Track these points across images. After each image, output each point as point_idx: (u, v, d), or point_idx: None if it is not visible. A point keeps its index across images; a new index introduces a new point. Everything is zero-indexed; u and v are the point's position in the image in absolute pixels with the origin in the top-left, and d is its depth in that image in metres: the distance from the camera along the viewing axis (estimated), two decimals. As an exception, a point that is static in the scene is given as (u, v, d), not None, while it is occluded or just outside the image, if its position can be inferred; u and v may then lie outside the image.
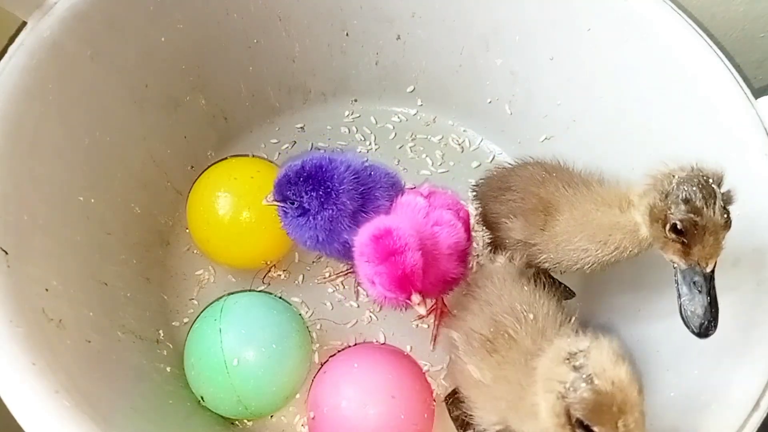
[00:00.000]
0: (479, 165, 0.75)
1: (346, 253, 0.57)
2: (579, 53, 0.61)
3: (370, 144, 0.76)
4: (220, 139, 0.73)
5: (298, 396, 0.61)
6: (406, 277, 0.46)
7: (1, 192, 0.45)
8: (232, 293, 0.63)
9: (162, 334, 0.62)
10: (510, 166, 0.61)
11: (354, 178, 0.54)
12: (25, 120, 0.48)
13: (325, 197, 0.53)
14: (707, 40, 0.52)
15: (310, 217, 0.53)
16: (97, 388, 0.46)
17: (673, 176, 0.42)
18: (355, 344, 0.64)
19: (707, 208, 0.40)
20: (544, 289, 0.49)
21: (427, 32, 0.69)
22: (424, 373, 0.61)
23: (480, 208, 0.62)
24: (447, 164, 0.75)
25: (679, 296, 0.42)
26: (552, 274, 0.66)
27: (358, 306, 0.66)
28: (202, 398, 0.57)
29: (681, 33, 0.53)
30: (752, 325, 0.45)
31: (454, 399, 0.59)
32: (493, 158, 0.75)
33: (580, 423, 0.33)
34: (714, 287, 0.41)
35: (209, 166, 0.68)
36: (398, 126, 0.77)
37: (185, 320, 0.65)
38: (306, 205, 0.53)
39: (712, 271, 0.41)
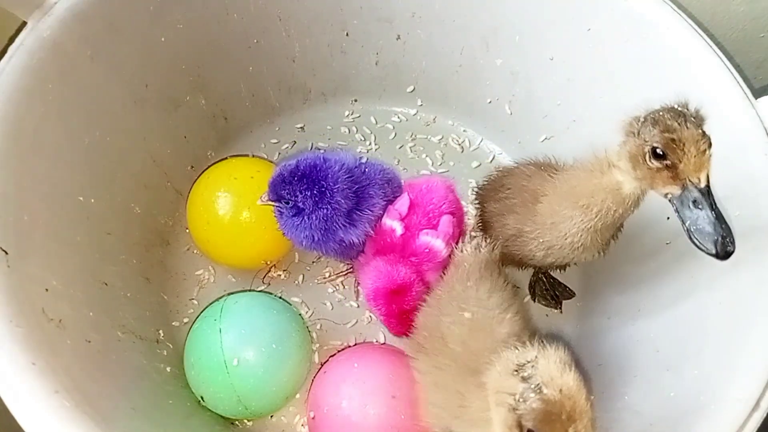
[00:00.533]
0: (479, 165, 0.75)
1: (343, 251, 0.57)
2: (579, 53, 0.61)
3: (370, 144, 0.76)
4: (220, 139, 0.73)
5: (298, 396, 0.61)
6: (406, 313, 0.53)
7: (1, 192, 0.45)
8: (232, 293, 0.63)
9: (162, 334, 0.62)
10: (507, 168, 0.62)
11: (348, 177, 0.54)
12: (25, 120, 0.48)
13: (320, 196, 0.53)
14: (707, 40, 0.52)
15: (305, 217, 0.54)
16: (97, 388, 0.46)
17: (639, 117, 0.42)
18: (355, 344, 0.64)
19: (679, 123, 0.40)
20: (503, 283, 0.49)
21: (427, 32, 0.69)
22: None
23: (479, 211, 0.62)
24: (447, 164, 0.75)
25: (683, 222, 0.40)
26: (553, 274, 0.66)
27: (358, 306, 0.66)
28: (202, 398, 0.57)
29: (681, 33, 0.53)
30: (752, 325, 0.45)
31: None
32: (493, 158, 0.75)
33: None
34: (715, 202, 0.39)
35: (209, 166, 0.68)
36: (398, 126, 0.77)
37: (185, 320, 0.65)
38: (300, 204, 0.53)
39: (708, 187, 0.39)
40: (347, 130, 0.77)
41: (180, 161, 0.69)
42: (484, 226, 0.60)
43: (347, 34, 0.70)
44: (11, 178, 0.46)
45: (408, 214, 0.56)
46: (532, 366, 0.35)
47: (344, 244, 0.56)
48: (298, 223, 0.54)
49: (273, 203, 0.55)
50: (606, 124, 0.62)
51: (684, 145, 0.39)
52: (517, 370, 0.35)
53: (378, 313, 0.55)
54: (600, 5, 0.57)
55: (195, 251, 0.68)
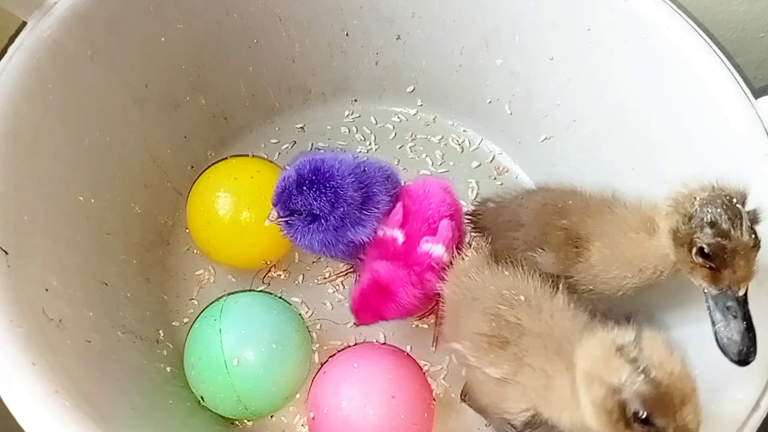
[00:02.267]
0: (479, 165, 0.75)
1: (350, 253, 0.57)
2: (579, 53, 0.61)
3: (370, 144, 0.76)
4: (220, 139, 0.73)
5: (298, 396, 0.61)
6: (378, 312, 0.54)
7: (1, 192, 0.45)
8: (232, 293, 0.63)
9: (162, 334, 0.62)
10: (507, 198, 0.58)
11: (353, 173, 0.54)
12: (25, 120, 0.48)
13: (335, 197, 0.52)
14: (707, 40, 0.52)
15: (322, 220, 0.53)
16: (97, 388, 0.46)
17: (695, 197, 0.40)
18: (355, 344, 0.64)
19: (734, 229, 0.38)
20: (522, 267, 0.48)
21: (427, 32, 0.69)
22: (424, 372, 0.61)
23: (486, 242, 0.59)
24: (447, 164, 0.75)
25: (713, 323, 0.40)
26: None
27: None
28: (202, 398, 0.57)
29: (681, 33, 0.53)
30: (752, 325, 0.44)
31: (469, 394, 0.59)
32: (493, 158, 0.75)
33: (637, 417, 0.33)
34: (749, 311, 0.39)
35: (209, 166, 0.68)
36: (398, 126, 0.77)
37: (185, 320, 0.65)
38: (316, 211, 0.52)
39: (746, 295, 0.39)
40: (347, 130, 0.77)
41: (180, 161, 0.69)
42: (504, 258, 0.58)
43: (347, 34, 0.70)
44: (11, 178, 0.46)
45: (408, 221, 0.56)
46: (636, 348, 0.34)
47: (352, 245, 0.56)
48: (315, 228, 0.54)
49: (286, 218, 0.54)
50: (606, 124, 0.62)
51: (735, 256, 0.38)
52: (619, 351, 0.34)
53: (355, 295, 0.54)
54: (600, 5, 0.57)
55: (195, 251, 0.68)
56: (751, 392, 0.42)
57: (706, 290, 0.41)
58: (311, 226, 0.54)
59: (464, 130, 0.77)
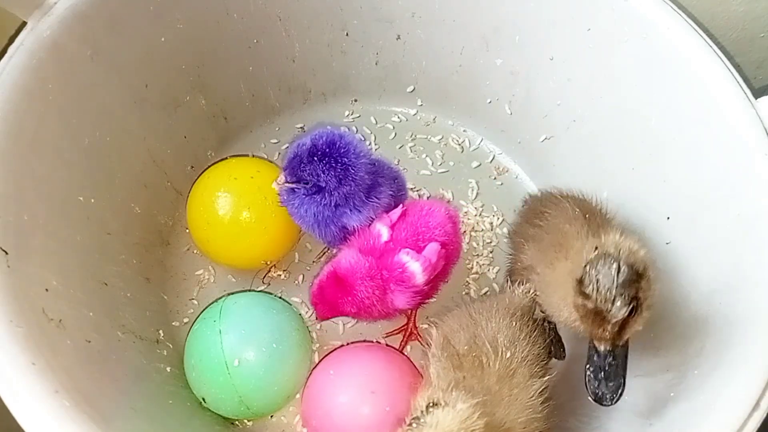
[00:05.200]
0: (479, 165, 0.75)
1: (337, 237, 0.57)
2: (579, 53, 0.61)
3: (370, 144, 0.76)
4: (220, 139, 0.73)
5: (298, 396, 0.61)
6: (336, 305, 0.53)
7: (1, 192, 0.45)
8: (232, 293, 0.63)
9: (162, 334, 0.62)
10: (556, 193, 0.59)
11: (366, 156, 0.53)
12: (25, 120, 0.48)
13: (344, 173, 0.52)
14: (707, 40, 0.52)
15: (326, 194, 0.53)
16: (97, 388, 0.46)
17: (595, 249, 0.42)
18: (330, 351, 0.62)
19: (599, 294, 0.40)
20: (533, 334, 0.49)
21: (427, 32, 0.69)
22: (402, 354, 0.61)
23: (517, 224, 0.61)
24: (447, 164, 0.75)
25: (587, 361, 0.44)
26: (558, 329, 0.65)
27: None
28: (203, 399, 0.57)
29: (681, 33, 0.53)
30: (751, 325, 0.45)
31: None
32: (493, 158, 0.75)
33: None
34: (616, 364, 0.42)
35: (209, 166, 0.68)
36: (398, 126, 0.77)
37: (185, 320, 0.65)
38: (322, 183, 0.52)
39: (613, 350, 0.42)
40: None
41: (180, 161, 0.69)
42: (513, 243, 0.59)
43: (347, 34, 0.70)
44: (11, 178, 0.46)
45: (397, 226, 0.55)
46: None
47: (344, 230, 0.55)
48: (317, 200, 0.53)
49: (292, 185, 0.54)
50: (606, 124, 0.62)
51: (597, 318, 0.41)
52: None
53: (313, 288, 0.54)
54: (600, 5, 0.57)
55: (195, 251, 0.68)
56: (751, 392, 0.41)
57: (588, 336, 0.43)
58: (314, 197, 0.53)
59: (464, 130, 0.77)
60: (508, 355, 0.46)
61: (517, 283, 0.54)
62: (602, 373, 0.42)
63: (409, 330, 0.63)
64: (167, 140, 0.67)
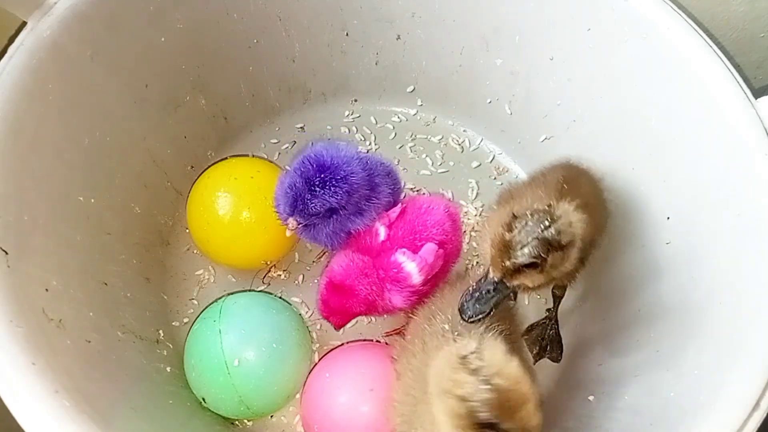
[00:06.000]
0: (479, 165, 0.75)
1: (344, 243, 0.56)
2: (579, 53, 0.61)
3: (370, 144, 0.76)
4: (220, 139, 0.73)
5: (298, 396, 0.61)
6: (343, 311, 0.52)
7: (1, 192, 0.45)
8: (232, 293, 0.63)
9: (162, 334, 0.62)
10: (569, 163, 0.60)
11: (355, 157, 0.53)
12: (25, 120, 0.48)
13: (348, 186, 0.51)
14: (707, 40, 0.52)
15: (340, 211, 0.52)
16: (97, 388, 0.46)
17: (549, 206, 0.44)
18: (327, 352, 0.62)
19: (519, 234, 0.43)
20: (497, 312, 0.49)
21: (427, 32, 0.69)
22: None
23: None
24: (447, 164, 0.75)
25: (470, 283, 0.46)
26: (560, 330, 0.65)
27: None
28: (203, 399, 0.57)
29: (681, 33, 0.53)
30: (752, 325, 0.44)
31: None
32: (493, 158, 0.75)
33: (486, 424, 0.34)
34: (493, 296, 0.44)
35: (209, 166, 0.68)
36: (398, 126, 0.77)
37: (185, 320, 0.65)
38: (335, 205, 0.51)
39: (498, 283, 0.44)
40: (347, 130, 0.77)
41: (180, 161, 0.69)
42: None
43: (347, 34, 0.70)
44: (11, 178, 0.46)
45: (395, 225, 0.55)
46: (477, 357, 0.36)
47: (349, 234, 0.55)
48: (334, 220, 0.53)
49: (307, 222, 0.53)
50: (606, 124, 0.62)
51: (503, 246, 0.43)
52: (462, 363, 0.36)
53: (319, 304, 0.54)
54: (600, 5, 0.57)
55: (195, 251, 0.68)
56: (751, 392, 0.41)
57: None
58: (329, 219, 0.53)
59: (464, 130, 0.77)
60: (447, 327, 0.48)
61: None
62: (478, 293, 0.45)
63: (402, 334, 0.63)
64: (167, 140, 0.67)
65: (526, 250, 0.42)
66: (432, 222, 0.55)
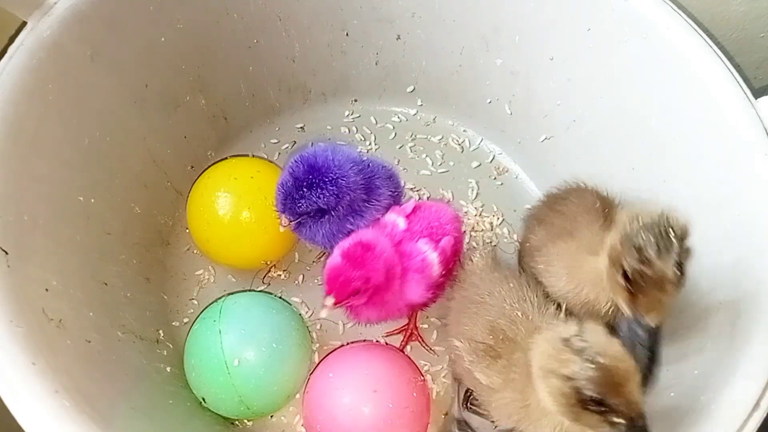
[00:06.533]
0: (479, 165, 0.75)
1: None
2: (579, 53, 0.61)
3: (370, 144, 0.76)
4: (220, 139, 0.73)
5: (298, 396, 0.61)
6: (342, 282, 0.47)
7: (1, 192, 0.45)
8: (232, 293, 0.63)
9: (162, 334, 0.62)
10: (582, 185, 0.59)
11: (351, 161, 0.53)
12: (25, 120, 0.48)
13: (337, 188, 0.52)
14: (707, 40, 0.52)
15: (331, 212, 0.53)
16: (97, 388, 0.46)
17: (638, 219, 0.40)
18: (330, 353, 0.61)
19: (659, 260, 0.38)
20: (526, 282, 0.50)
21: (427, 32, 0.69)
22: (401, 352, 0.61)
23: (537, 207, 0.61)
24: (447, 164, 0.75)
25: (620, 330, 0.43)
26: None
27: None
28: (203, 400, 0.57)
29: (681, 33, 0.53)
30: (752, 325, 0.45)
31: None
32: (493, 158, 0.75)
33: (592, 400, 0.36)
34: (658, 343, 0.41)
35: (209, 166, 0.68)
36: (398, 126, 0.77)
37: (185, 320, 0.65)
38: (323, 206, 0.52)
39: (658, 328, 0.41)
40: (347, 130, 0.77)
41: (180, 161, 0.69)
42: (528, 225, 0.59)
43: (347, 34, 0.70)
44: (11, 178, 0.46)
45: (411, 218, 0.55)
46: (581, 339, 0.37)
47: (347, 235, 0.55)
48: (326, 221, 0.54)
49: (296, 221, 0.53)
50: (606, 124, 0.62)
51: (652, 286, 0.39)
52: (566, 344, 0.37)
53: (328, 269, 0.49)
54: (600, 5, 0.57)
55: (195, 251, 0.68)
56: (751, 392, 0.42)
57: (621, 312, 0.42)
58: (321, 220, 0.54)
59: (464, 130, 0.77)
60: (520, 314, 0.47)
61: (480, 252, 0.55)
62: (648, 353, 0.41)
63: (410, 330, 0.63)
64: (167, 140, 0.67)
65: (671, 261, 0.38)
66: (446, 219, 0.56)
